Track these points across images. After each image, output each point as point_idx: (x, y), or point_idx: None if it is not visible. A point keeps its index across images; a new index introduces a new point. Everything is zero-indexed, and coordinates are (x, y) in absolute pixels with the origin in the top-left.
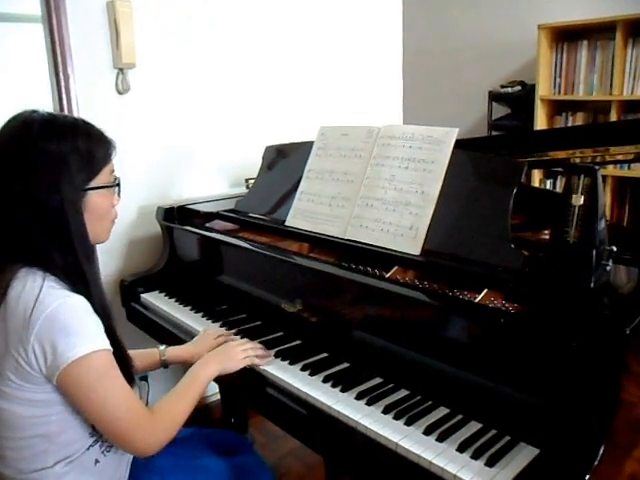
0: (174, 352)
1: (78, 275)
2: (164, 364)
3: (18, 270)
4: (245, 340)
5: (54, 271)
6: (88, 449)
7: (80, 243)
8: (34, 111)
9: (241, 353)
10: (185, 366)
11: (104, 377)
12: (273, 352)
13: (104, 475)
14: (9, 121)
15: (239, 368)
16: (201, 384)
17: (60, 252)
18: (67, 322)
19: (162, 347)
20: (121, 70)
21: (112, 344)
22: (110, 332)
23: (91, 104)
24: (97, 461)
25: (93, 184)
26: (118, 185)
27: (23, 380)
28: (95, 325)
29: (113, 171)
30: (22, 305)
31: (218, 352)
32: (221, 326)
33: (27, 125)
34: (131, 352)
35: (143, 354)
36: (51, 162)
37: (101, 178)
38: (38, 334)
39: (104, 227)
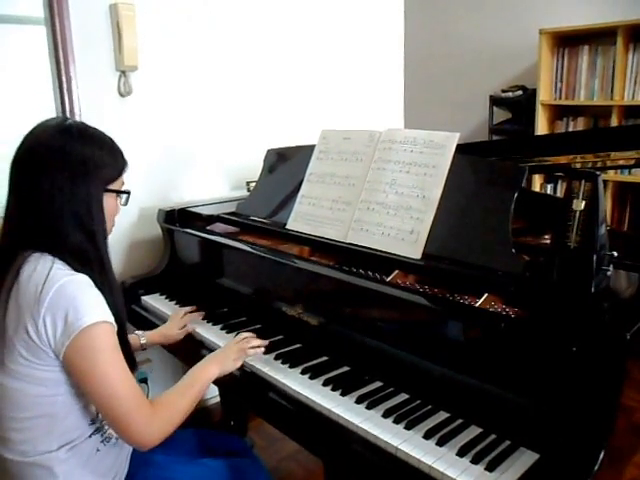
0: (151, 337)
1: (96, 262)
2: (143, 347)
3: (29, 255)
4: (241, 336)
5: (64, 257)
6: (90, 437)
7: (100, 233)
8: (68, 118)
9: (240, 352)
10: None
11: (108, 349)
12: (267, 342)
13: (103, 464)
14: (42, 124)
15: (237, 367)
16: (201, 385)
17: (78, 240)
18: (75, 294)
19: (139, 332)
20: (123, 73)
21: (118, 327)
22: (118, 318)
23: (93, 106)
24: (98, 450)
25: (111, 187)
26: (128, 193)
27: (33, 356)
28: (99, 299)
29: (123, 183)
30: (33, 283)
31: (217, 353)
32: (222, 329)
33: (66, 128)
34: None
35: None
36: (85, 158)
37: (117, 184)
38: (49, 306)
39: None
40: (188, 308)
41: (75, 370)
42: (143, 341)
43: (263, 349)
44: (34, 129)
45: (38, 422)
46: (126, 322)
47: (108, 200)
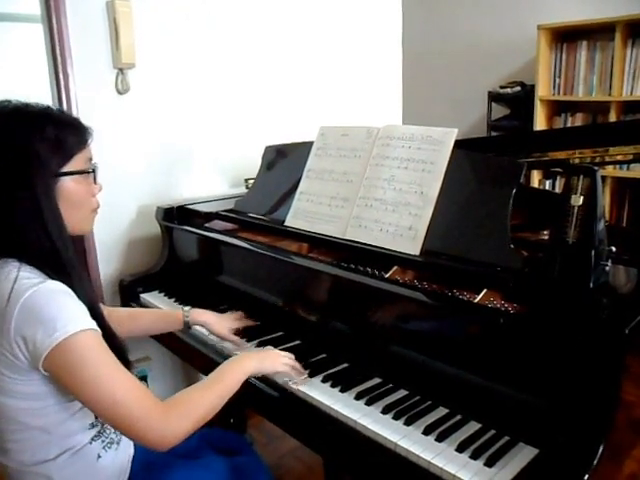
0: (197, 314)
1: (56, 262)
2: (187, 325)
3: None
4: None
5: (30, 260)
6: (90, 443)
7: (54, 228)
8: (7, 101)
9: (281, 358)
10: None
11: (91, 357)
12: (307, 372)
13: (106, 471)
14: None
15: (276, 371)
16: (235, 377)
17: (36, 239)
18: (42, 309)
19: (187, 308)
20: (121, 70)
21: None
22: (97, 318)
23: (91, 104)
24: (99, 456)
25: (65, 169)
26: (94, 171)
27: (14, 373)
28: (73, 307)
29: (90, 159)
30: None
31: (257, 351)
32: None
33: None
34: (146, 310)
35: (161, 315)
36: (18, 151)
37: (75, 164)
38: (16, 325)
39: (83, 216)
40: (240, 313)
41: (65, 386)
42: (187, 319)
43: (306, 377)
44: None
45: (33, 433)
46: (110, 327)
47: (70, 186)
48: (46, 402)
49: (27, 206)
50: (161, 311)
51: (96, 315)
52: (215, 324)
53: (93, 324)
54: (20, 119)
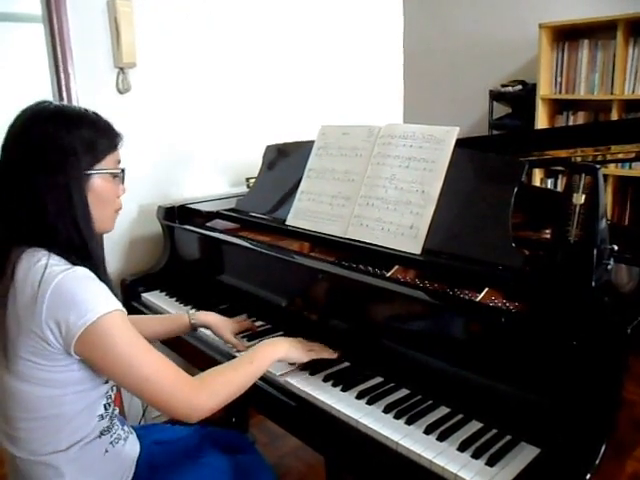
0: (202, 316)
1: (82, 251)
2: (194, 327)
3: (23, 252)
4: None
5: (58, 250)
6: (100, 437)
7: (83, 220)
8: (48, 102)
9: (309, 349)
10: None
11: (122, 336)
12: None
13: (110, 467)
14: (24, 110)
15: (303, 361)
16: (263, 360)
17: (65, 229)
18: (73, 291)
19: (191, 311)
20: (122, 69)
21: None
22: None
23: (92, 103)
24: (106, 451)
25: (97, 168)
26: (122, 172)
27: (39, 357)
28: (101, 289)
29: (119, 161)
30: (29, 284)
31: (287, 339)
32: None
33: (38, 112)
34: (151, 317)
35: (167, 319)
36: (57, 147)
37: (105, 164)
38: (48, 309)
39: (108, 214)
40: (244, 316)
41: (96, 366)
42: (193, 321)
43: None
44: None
45: (47, 422)
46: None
47: (100, 183)
48: (65, 390)
49: (61, 198)
50: (169, 316)
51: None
52: (220, 326)
53: (120, 305)
54: (60, 118)
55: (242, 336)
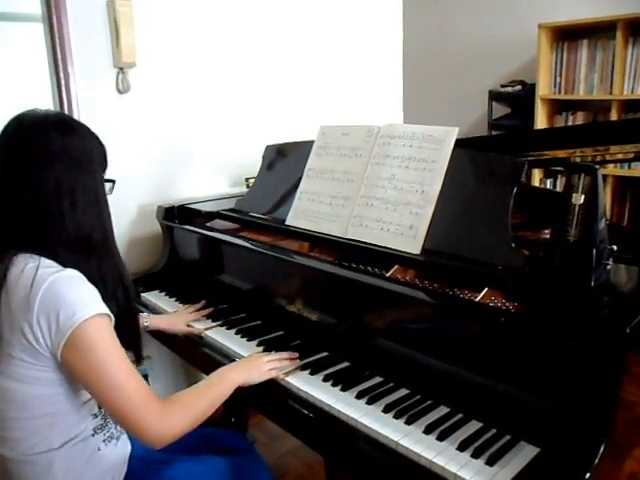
0: (155, 321)
1: (108, 244)
2: (146, 329)
3: (14, 256)
4: (272, 353)
5: (48, 254)
6: (93, 435)
7: (109, 219)
8: (50, 111)
9: (266, 365)
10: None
11: (102, 342)
12: (300, 363)
13: (103, 465)
14: (17, 118)
15: (263, 380)
16: (225, 387)
17: (89, 226)
18: (65, 292)
19: (145, 314)
20: (121, 69)
21: (126, 317)
22: (128, 298)
23: (91, 103)
24: (99, 449)
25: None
26: (114, 182)
27: (31, 357)
28: (91, 292)
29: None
30: (21, 285)
31: (244, 361)
32: (221, 325)
33: (58, 122)
34: None
35: None
36: (87, 152)
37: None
38: (40, 308)
39: None
40: (199, 305)
41: (74, 369)
42: (146, 323)
43: (298, 364)
44: (19, 125)
45: (41, 421)
46: (135, 311)
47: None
48: (57, 389)
49: (90, 195)
50: None
51: (128, 296)
52: (170, 324)
53: (107, 309)
54: (86, 129)
55: (241, 336)
